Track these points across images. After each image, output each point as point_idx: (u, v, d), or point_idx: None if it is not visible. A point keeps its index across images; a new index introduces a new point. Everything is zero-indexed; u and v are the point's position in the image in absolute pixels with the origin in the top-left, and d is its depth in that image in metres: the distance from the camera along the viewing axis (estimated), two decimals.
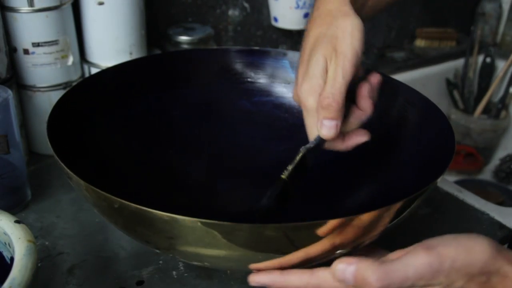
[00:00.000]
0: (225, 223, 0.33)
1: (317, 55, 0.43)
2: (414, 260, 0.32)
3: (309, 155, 0.44)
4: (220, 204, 0.54)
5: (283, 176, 0.42)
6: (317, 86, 0.43)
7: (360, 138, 0.46)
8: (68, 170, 0.39)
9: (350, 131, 0.46)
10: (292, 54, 0.61)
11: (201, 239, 0.35)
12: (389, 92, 0.54)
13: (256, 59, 0.62)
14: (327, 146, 0.45)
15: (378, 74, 0.47)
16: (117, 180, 0.48)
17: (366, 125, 0.47)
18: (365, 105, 0.45)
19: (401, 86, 0.55)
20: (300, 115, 0.54)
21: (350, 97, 0.45)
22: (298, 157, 0.43)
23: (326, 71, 0.43)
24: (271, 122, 0.61)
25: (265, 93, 0.62)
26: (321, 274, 0.35)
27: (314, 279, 0.36)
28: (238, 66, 0.62)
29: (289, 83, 0.61)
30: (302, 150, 0.44)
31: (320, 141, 0.44)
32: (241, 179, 0.57)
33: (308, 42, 0.45)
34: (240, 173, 0.58)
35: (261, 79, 0.62)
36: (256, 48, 0.64)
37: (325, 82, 0.42)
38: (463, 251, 0.32)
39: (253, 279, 0.38)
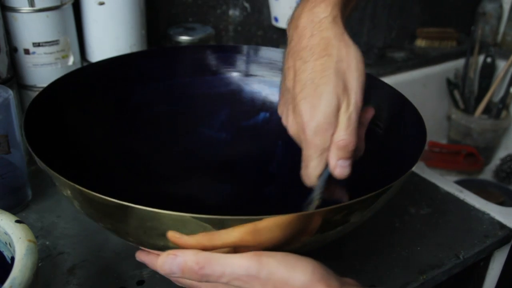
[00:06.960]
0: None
1: (328, 92, 0.41)
2: (236, 260, 0.33)
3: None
4: (194, 197, 0.55)
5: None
6: (328, 125, 0.41)
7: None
8: (55, 173, 0.38)
9: None
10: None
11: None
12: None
13: (228, 55, 0.62)
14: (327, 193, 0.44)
15: (372, 109, 0.46)
16: (95, 175, 0.49)
17: None
18: (360, 146, 0.45)
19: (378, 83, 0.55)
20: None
21: None
22: (316, 203, 0.42)
23: (338, 109, 0.42)
24: (245, 120, 0.62)
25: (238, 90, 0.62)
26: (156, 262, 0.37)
27: (158, 268, 0.36)
28: (213, 62, 0.62)
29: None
30: (317, 197, 0.42)
31: (328, 178, 0.43)
32: (209, 172, 0.59)
33: (307, 74, 0.43)
34: (208, 167, 0.59)
35: (234, 74, 0.62)
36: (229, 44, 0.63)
37: (337, 120, 0.42)
38: (284, 266, 0.32)
39: (138, 256, 0.41)
